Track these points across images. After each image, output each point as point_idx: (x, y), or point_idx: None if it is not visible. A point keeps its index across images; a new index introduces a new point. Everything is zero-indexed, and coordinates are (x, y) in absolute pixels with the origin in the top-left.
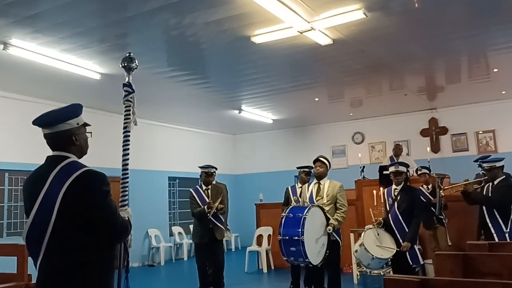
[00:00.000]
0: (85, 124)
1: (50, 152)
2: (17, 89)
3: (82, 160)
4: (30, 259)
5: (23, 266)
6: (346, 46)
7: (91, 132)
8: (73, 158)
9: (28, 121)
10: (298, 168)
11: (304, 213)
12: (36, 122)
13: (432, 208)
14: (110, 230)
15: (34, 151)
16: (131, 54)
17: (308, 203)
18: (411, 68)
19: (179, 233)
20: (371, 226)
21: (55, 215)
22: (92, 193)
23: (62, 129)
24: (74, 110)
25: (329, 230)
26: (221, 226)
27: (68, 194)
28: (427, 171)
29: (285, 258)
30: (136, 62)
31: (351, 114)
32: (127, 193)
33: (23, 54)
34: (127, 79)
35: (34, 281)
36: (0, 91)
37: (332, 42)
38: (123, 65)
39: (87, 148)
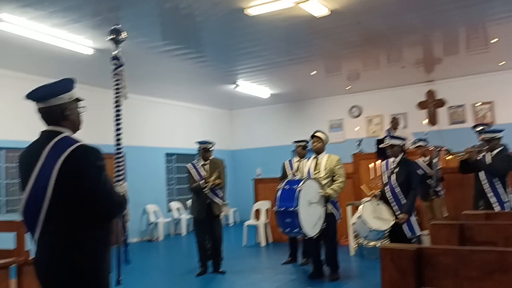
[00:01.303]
0: (78, 99)
1: (44, 128)
2: (9, 65)
3: (75, 136)
4: (28, 234)
5: (21, 242)
6: (343, 18)
7: (84, 107)
8: (67, 133)
9: (21, 97)
10: (294, 142)
11: (300, 185)
12: (29, 96)
13: (428, 180)
14: (105, 205)
15: (30, 128)
16: (118, 26)
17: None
18: (409, 40)
19: (177, 208)
20: (367, 199)
21: (50, 190)
22: (86, 168)
23: (54, 103)
24: (67, 84)
25: (321, 193)
26: (218, 202)
27: (62, 170)
28: (424, 144)
29: (281, 230)
30: (124, 34)
31: (348, 87)
32: (122, 168)
33: (12, 29)
34: (115, 52)
35: (32, 256)
36: None
37: (329, 13)
38: (110, 37)
39: (80, 123)
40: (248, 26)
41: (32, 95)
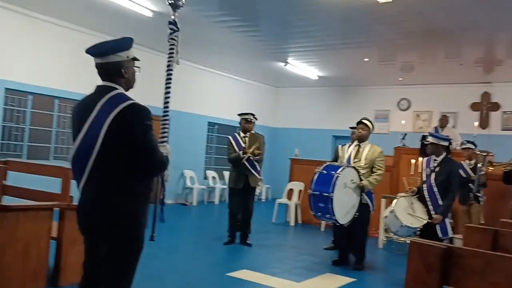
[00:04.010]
0: (135, 59)
1: (99, 82)
2: (71, 19)
3: (128, 94)
4: (73, 182)
5: (66, 187)
6: (406, 6)
7: (139, 67)
8: (121, 90)
9: (79, 51)
10: (350, 128)
11: (338, 172)
12: (89, 51)
13: (470, 184)
14: (149, 162)
15: (84, 80)
16: None
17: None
18: (471, 37)
19: (213, 177)
20: (404, 194)
21: (100, 142)
22: (135, 125)
23: (112, 60)
24: (126, 43)
25: (354, 184)
26: (255, 174)
27: (113, 124)
28: (472, 146)
29: (313, 213)
30: (183, 0)
31: (400, 79)
32: (167, 130)
33: None
34: (172, 16)
35: (75, 202)
36: (54, 19)
37: (392, 0)
38: (169, 2)
39: (134, 82)
40: (306, 4)
41: (92, 50)
